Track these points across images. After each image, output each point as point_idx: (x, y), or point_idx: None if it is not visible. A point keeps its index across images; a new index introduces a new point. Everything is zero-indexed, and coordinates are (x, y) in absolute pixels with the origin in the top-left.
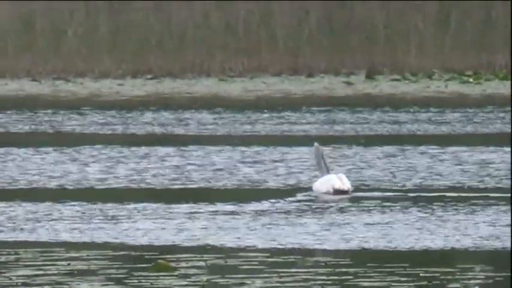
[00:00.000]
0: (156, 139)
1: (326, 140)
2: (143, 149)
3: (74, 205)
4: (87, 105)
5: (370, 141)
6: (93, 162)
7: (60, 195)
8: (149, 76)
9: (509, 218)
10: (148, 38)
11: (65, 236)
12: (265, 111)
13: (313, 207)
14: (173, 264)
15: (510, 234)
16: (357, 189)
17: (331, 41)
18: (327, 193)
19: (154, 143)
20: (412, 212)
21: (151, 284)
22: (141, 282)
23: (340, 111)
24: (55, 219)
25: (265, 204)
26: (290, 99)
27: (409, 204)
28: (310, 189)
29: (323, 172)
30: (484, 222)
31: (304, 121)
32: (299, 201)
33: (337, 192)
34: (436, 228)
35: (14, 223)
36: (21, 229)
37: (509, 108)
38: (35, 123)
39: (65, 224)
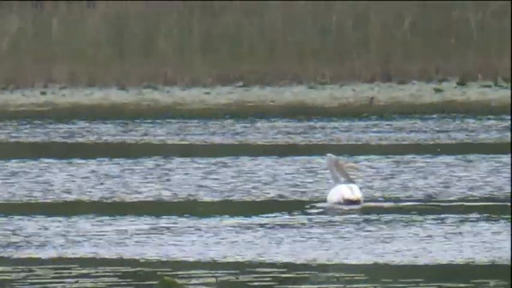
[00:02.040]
0: (216, 148)
1: (387, 149)
2: (176, 160)
3: (89, 218)
4: (167, 115)
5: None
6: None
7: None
8: (239, 84)
9: None
10: (241, 42)
11: (80, 252)
12: (336, 119)
13: (329, 219)
14: (182, 281)
15: (510, 246)
16: (396, 199)
17: (426, 45)
18: (338, 203)
19: (214, 152)
20: (436, 224)
21: None
22: None
23: (415, 119)
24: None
25: (280, 217)
26: (372, 107)
27: (436, 216)
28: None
29: (337, 182)
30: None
31: (375, 129)
32: (315, 213)
33: (347, 202)
34: (456, 242)
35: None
36: (41, 245)
37: None
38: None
39: (80, 238)
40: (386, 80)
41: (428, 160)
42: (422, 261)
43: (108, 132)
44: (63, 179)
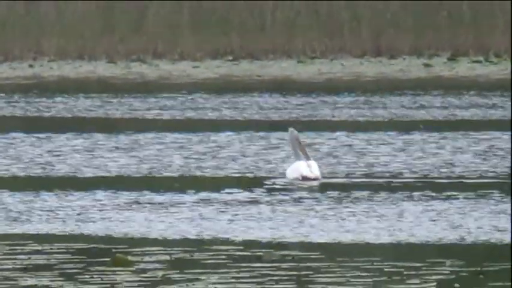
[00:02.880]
0: (193, 123)
1: (360, 126)
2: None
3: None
4: (151, 89)
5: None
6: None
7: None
8: (229, 58)
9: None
10: (231, 18)
11: (35, 228)
12: (323, 94)
13: (287, 197)
14: (137, 258)
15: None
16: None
17: (416, 22)
18: (296, 179)
19: (191, 127)
20: (393, 202)
21: (102, 279)
22: (93, 277)
23: (397, 95)
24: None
25: (240, 194)
26: (359, 82)
27: (398, 194)
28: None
29: (298, 158)
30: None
31: (351, 105)
32: (275, 190)
33: (305, 179)
34: (413, 221)
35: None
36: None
37: None
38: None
39: (37, 214)
40: (376, 55)
41: (402, 137)
42: (378, 239)
43: (90, 106)
44: (32, 153)
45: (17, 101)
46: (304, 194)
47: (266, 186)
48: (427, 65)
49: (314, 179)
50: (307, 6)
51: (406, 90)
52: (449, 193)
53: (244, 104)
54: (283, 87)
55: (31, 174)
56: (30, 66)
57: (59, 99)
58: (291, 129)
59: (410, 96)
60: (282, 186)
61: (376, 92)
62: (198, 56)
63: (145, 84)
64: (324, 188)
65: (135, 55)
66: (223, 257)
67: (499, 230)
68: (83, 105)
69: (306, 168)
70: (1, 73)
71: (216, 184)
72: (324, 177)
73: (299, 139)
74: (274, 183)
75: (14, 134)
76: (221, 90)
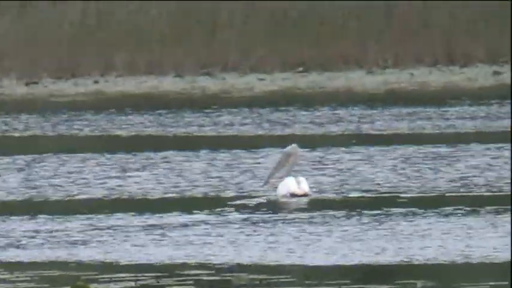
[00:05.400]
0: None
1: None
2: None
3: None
4: (210, 104)
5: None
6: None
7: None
8: (299, 69)
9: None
10: (305, 27)
11: (18, 254)
12: (378, 107)
13: (264, 217)
14: (102, 286)
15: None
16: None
17: (493, 26)
18: (285, 196)
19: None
20: (376, 220)
21: None
22: None
23: (453, 106)
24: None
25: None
26: (422, 92)
27: (384, 210)
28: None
29: (286, 174)
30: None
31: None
32: (252, 210)
33: (294, 195)
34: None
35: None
36: None
37: None
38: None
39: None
40: (449, 64)
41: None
42: (350, 261)
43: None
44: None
45: (70, 118)
46: (278, 214)
47: (241, 207)
48: (496, 73)
49: (303, 195)
50: (385, 13)
51: (461, 99)
52: None
53: (284, 119)
54: (339, 98)
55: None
56: (95, 82)
57: (110, 115)
58: (294, 145)
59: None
60: (258, 207)
61: (431, 102)
62: (268, 68)
63: (203, 99)
64: (312, 205)
65: (205, 69)
66: (190, 282)
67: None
68: (123, 122)
69: (295, 184)
70: (63, 90)
71: (190, 204)
72: (315, 193)
73: (293, 157)
74: (248, 204)
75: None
76: (277, 104)
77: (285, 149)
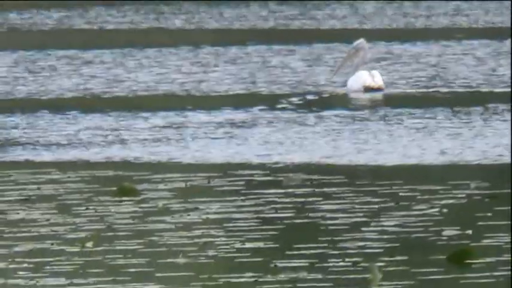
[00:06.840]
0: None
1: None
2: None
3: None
4: None
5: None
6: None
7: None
8: None
9: None
10: None
11: (52, 156)
12: None
13: (318, 115)
14: (152, 185)
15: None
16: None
17: None
18: (358, 91)
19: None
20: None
21: (96, 211)
22: (88, 209)
23: None
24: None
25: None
26: None
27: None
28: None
29: (356, 69)
30: None
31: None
32: (308, 108)
33: (368, 89)
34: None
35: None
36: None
37: None
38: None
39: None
40: None
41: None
42: (406, 160)
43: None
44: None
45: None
46: (332, 112)
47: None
48: None
49: (377, 89)
50: None
51: None
52: None
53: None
54: None
55: None
56: None
57: None
58: (362, 39)
59: None
60: (318, 104)
61: None
62: None
63: None
64: (384, 101)
65: None
66: (241, 182)
67: None
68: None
69: (369, 77)
70: None
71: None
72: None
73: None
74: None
75: None
76: None
77: (353, 44)
